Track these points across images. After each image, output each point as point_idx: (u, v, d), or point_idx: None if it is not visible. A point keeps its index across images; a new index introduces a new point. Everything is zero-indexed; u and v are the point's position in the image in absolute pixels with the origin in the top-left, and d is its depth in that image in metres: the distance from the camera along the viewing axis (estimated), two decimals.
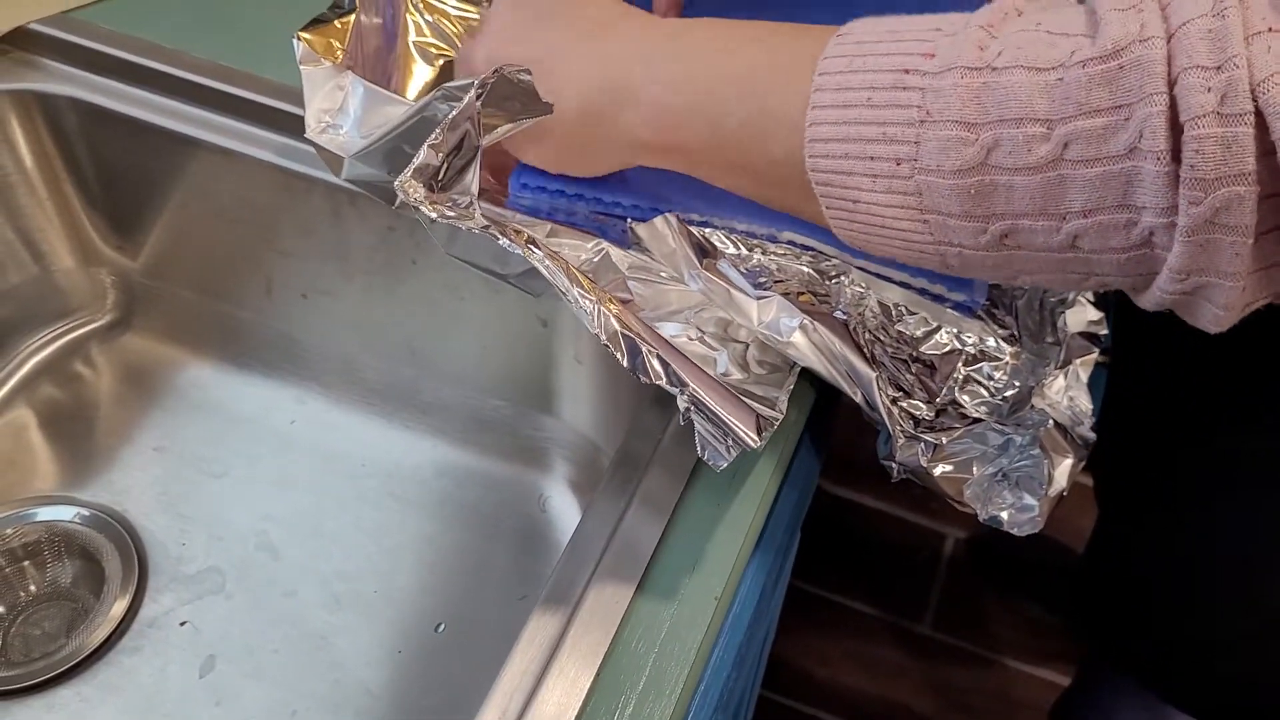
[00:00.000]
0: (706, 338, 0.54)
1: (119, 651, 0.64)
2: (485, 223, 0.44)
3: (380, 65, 0.61)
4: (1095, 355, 0.59)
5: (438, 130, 0.44)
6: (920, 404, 0.55)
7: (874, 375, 0.52)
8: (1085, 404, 0.58)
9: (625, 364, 0.43)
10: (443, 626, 0.66)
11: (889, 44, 0.41)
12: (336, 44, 0.56)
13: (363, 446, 0.73)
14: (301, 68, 0.53)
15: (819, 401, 0.54)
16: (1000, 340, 0.58)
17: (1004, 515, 0.56)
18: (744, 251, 0.58)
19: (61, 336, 0.75)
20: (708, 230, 0.58)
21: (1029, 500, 0.56)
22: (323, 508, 0.71)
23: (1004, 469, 0.56)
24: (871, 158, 0.41)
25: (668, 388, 0.43)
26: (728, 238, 0.58)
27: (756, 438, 0.44)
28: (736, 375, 0.53)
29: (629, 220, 0.56)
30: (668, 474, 0.50)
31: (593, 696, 0.42)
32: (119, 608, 0.65)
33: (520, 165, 0.60)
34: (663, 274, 0.56)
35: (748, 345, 0.54)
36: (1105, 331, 0.60)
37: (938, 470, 0.54)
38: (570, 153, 0.54)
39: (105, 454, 0.72)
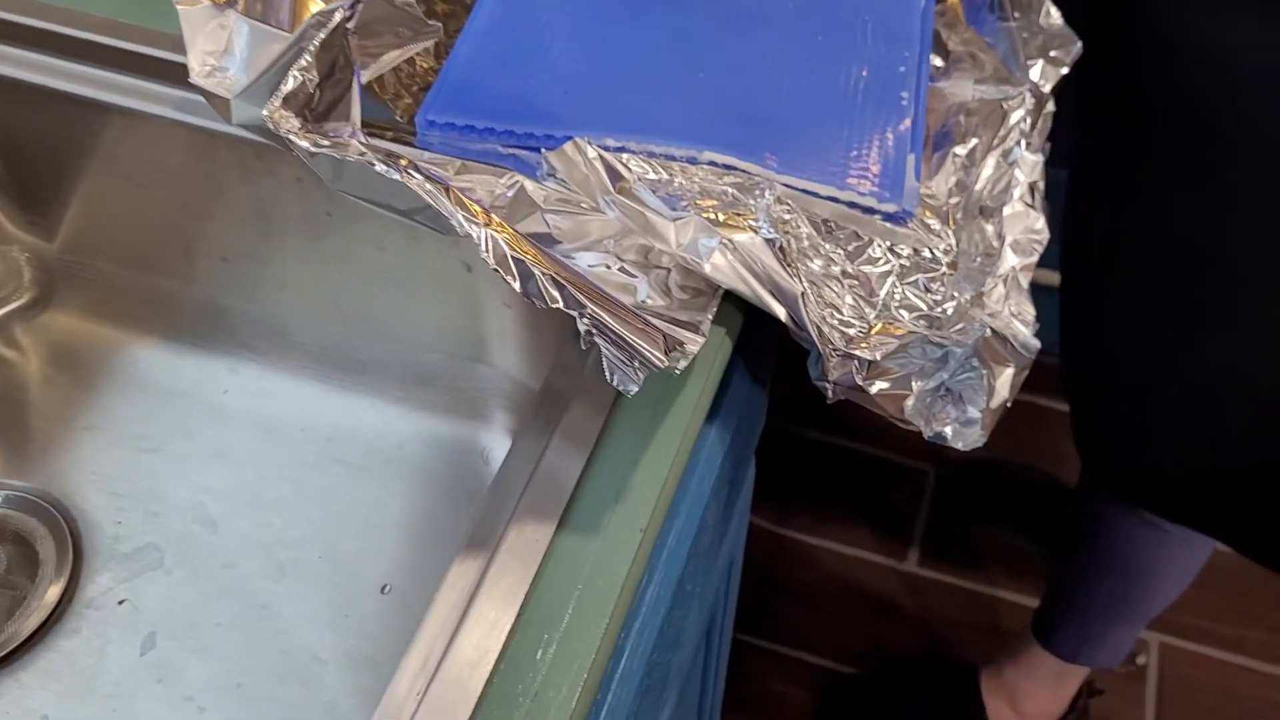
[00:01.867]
0: (626, 265, 0.52)
1: (57, 635, 0.62)
2: (362, 150, 0.41)
3: None
4: (1034, 260, 0.57)
5: (305, 55, 0.42)
6: (853, 320, 0.53)
7: (799, 290, 0.50)
8: (1028, 311, 0.56)
9: (518, 289, 0.41)
10: (389, 587, 0.64)
11: None
12: None
13: (300, 412, 0.71)
14: (179, 8, 0.51)
15: (749, 325, 0.52)
16: (936, 251, 0.56)
17: (948, 430, 0.55)
18: (664, 175, 0.55)
19: None
20: (625, 155, 0.56)
21: (972, 413, 0.54)
22: (262, 477, 0.69)
23: (945, 383, 0.54)
24: None
25: (565, 310, 0.41)
26: (646, 161, 0.56)
27: (664, 357, 0.42)
28: (659, 301, 0.51)
29: (542, 150, 0.54)
30: (590, 408, 0.48)
31: (514, 638, 0.41)
32: (54, 591, 0.63)
33: (426, 103, 0.57)
34: (582, 204, 0.53)
35: (669, 270, 0.52)
36: (1046, 237, 0.58)
37: (874, 388, 0.52)
38: None
39: (35, 436, 0.70)
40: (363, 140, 0.43)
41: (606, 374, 0.42)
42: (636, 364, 0.41)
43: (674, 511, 0.50)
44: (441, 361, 0.69)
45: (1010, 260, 0.57)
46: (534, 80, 0.58)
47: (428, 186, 0.41)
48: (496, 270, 0.41)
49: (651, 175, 0.55)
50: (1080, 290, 0.88)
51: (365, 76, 0.49)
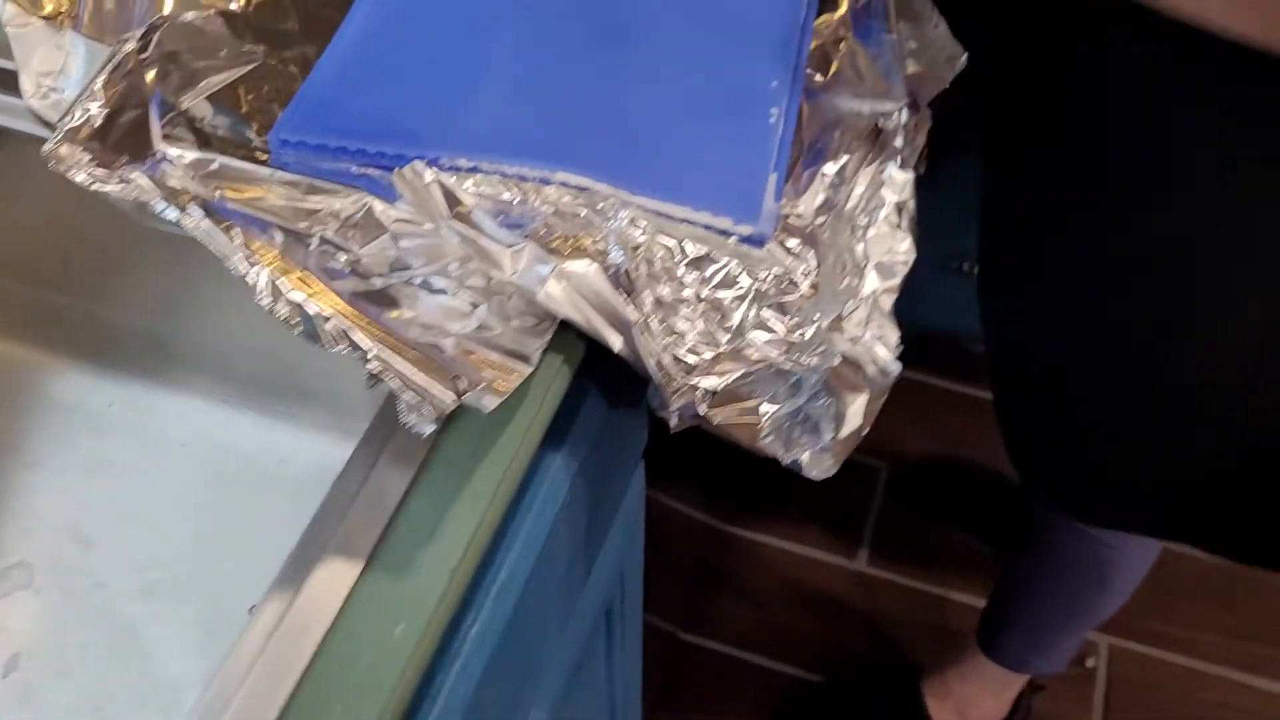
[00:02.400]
0: (469, 290, 0.50)
1: None
2: (123, 185, 0.40)
3: (125, 15, 0.57)
4: (897, 282, 0.56)
5: (95, 88, 0.41)
6: (700, 348, 0.52)
7: (634, 320, 0.48)
8: (891, 335, 0.55)
9: (299, 332, 0.40)
10: (256, 608, 0.63)
11: None
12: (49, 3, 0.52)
13: (181, 427, 0.70)
14: (8, 30, 0.50)
15: (595, 353, 0.51)
16: (795, 274, 0.55)
17: (805, 457, 0.54)
18: (516, 196, 0.54)
19: None
20: (478, 176, 0.55)
21: (825, 441, 0.53)
22: (139, 492, 0.68)
23: (801, 408, 0.53)
24: None
25: (349, 353, 0.40)
26: (502, 182, 0.55)
27: (451, 399, 0.41)
28: (496, 329, 0.49)
29: (393, 171, 0.53)
30: (415, 440, 0.47)
31: (303, 688, 0.40)
32: None
33: (280, 121, 0.56)
34: (426, 226, 0.52)
35: (511, 296, 0.51)
36: (911, 258, 0.56)
37: (719, 418, 0.51)
38: None
39: None
40: (149, 175, 0.41)
41: (400, 415, 0.41)
42: (425, 406, 0.40)
43: (506, 544, 0.49)
44: (323, 378, 0.68)
45: (872, 283, 0.56)
46: (393, 98, 0.57)
47: (204, 225, 0.40)
48: (272, 313, 0.39)
49: (506, 196, 0.54)
50: (1004, 303, 0.86)
51: (187, 101, 0.48)
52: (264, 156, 0.55)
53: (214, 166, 0.53)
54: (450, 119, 0.56)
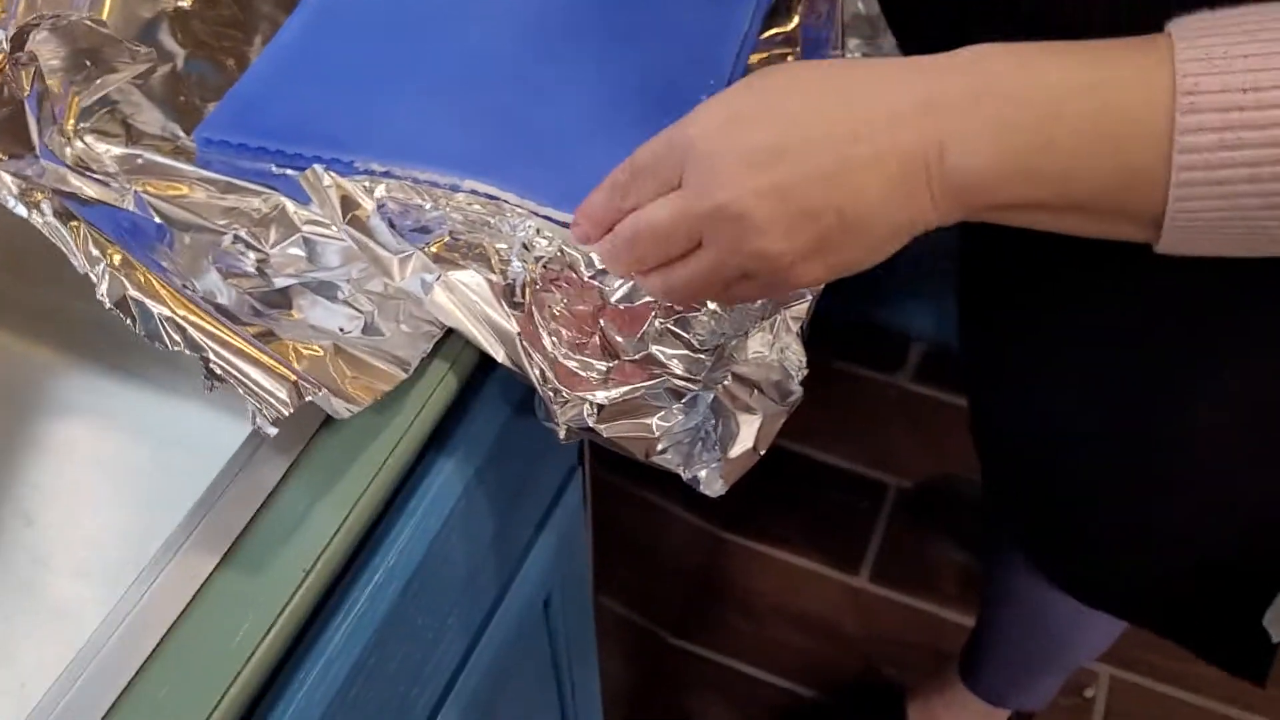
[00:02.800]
0: (361, 295, 0.51)
1: None
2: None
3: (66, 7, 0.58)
4: (807, 304, 0.55)
5: None
6: (592, 361, 0.52)
7: (515, 332, 0.49)
8: (796, 354, 0.54)
9: (140, 330, 0.41)
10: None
11: (1259, 112, 0.37)
12: None
13: (134, 414, 0.72)
14: None
15: (487, 363, 0.51)
16: None
17: (703, 474, 0.53)
18: (425, 203, 0.55)
19: None
20: (390, 181, 0.55)
21: (719, 459, 0.52)
22: (86, 477, 0.69)
23: (700, 425, 0.53)
24: (1253, 227, 0.39)
25: (187, 352, 0.41)
26: (413, 188, 0.55)
27: (288, 404, 0.41)
28: (385, 333, 0.50)
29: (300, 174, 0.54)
30: (296, 433, 0.47)
31: (142, 675, 0.41)
32: None
33: (206, 120, 0.58)
34: (334, 228, 0.53)
35: (403, 301, 0.51)
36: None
37: (610, 430, 0.51)
38: (873, 251, 0.45)
39: None
40: (11, 172, 0.43)
41: (250, 417, 0.42)
42: (265, 409, 0.41)
43: (385, 547, 0.49)
44: None
45: (783, 301, 0.55)
46: (317, 103, 0.58)
47: (50, 222, 0.41)
48: (114, 311, 0.40)
49: (416, 201, 0.55)
50: (987, 393, 0.81)
51: (89, 98, 0.49)
52: (191, 154, 0.57)
53: (139, 161, 0.55)
54: (370, 125, 0.57)
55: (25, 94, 0.43)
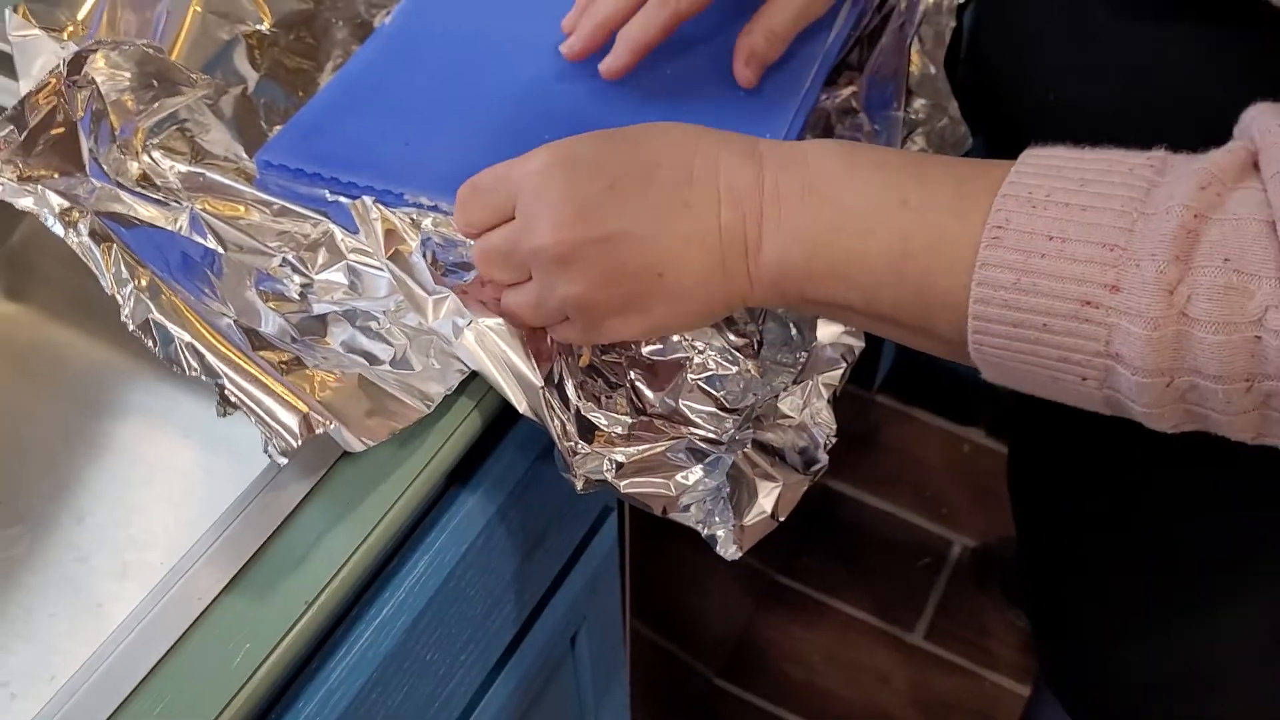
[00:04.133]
0: (396, 328, 0.52)
1: None
2: (32, 199, 0.43)
3: (143, 35, 0.60)
4: (841, 370, 0.54)
5: (22, 105, 0.43)
6: (618, 416, 0.52)
7: (539, 385, 0.49)
8: (826, 421, 0.53)
9: (159, 354, 0.42)
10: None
11: (1061, 262, 0.36)
12: (65, 15, 0.55)
13: (189, 420, 0.74)
14: (11, 38, 0.54)
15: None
16: (736, 349, 0.54)
17: (720, 534, 0.53)
18: (470, 240, 0.55)
19: None
20: (436, 216, 0.56)
21: (734, 523, 0.52)
22: (135, 477, 0.71)
23: (720, 486, 0.52)
24: (1053, 375, 0.39)
25: (203, 379, 0.42)
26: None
27: (297, 436, 0.42)
28: (415, 367, 0.50)
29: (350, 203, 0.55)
30: (316, 459, 0.48)
31: (139, 693, 0.42)
32: None
33: (267, 144, 0.59)
34: (377, 259, 0.54)
35: (435, 337, 0.52)
36: (860, 346, 0.55)
37: (625, 486, 0.51)
38: (688, 319, 0.47)
39: None
40: (61, 191, 0.44)
41: (262, 443, 0.42)
42: (276, 440, 0.42)
43: (396, 581, 0.49)
44: None
45: (817, 365, 0.54)
46: (377, 132, 0.59)
47: (84, 242, 0.42)
48: (137, 333, 0.41)
49: (463, 237, 0.55)
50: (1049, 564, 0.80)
51: (158, 115, 0.51)
52: (252, 175, 0.58)
53: (202, 180, 0.56)
54: (425, 158, 0.58)
55: (79, 116, 0.44)
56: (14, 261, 0.77)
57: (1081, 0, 0.50)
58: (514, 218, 0.46)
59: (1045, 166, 0.38)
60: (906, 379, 1.53)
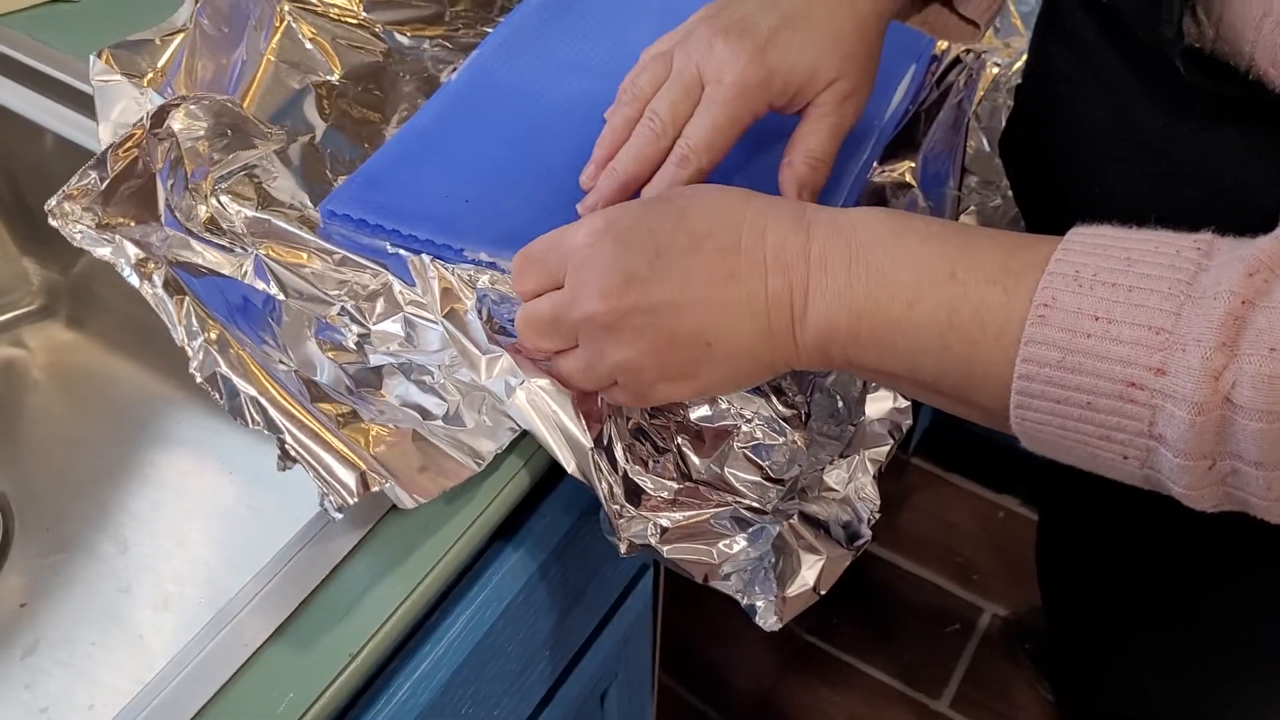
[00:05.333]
0: (450, 383, 0.52)
1: None
2: (110, 247, 0.44)
3: (219, 82, 0.62)
4: (888, 447, 0.54)
5: (101, 151, 0.45)
6: (665, 480, 0.52)
7: (589, 447, 0.49)
8: (870, 497, 0.54)
9: (225, 406, 0.42)
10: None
11: (1107, 343, 0.37)
12: (146, 63, 0.57)
13: (235, 455, 0.75)
14: (94, 83, 0.55)
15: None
16: (783, 419, 0.55)
17: (760, 605, 0.53)
18: None
19: None
20: (495, 273, 0.57)
21: (775, 594, 0.52)
22: (181, 510, 0.72)
23: (763, 556, 0.53)
24: (1094, 452, 0.39)
25: (266, 433, 0.43)
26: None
27: (354, 493, 0.42)
28: (467, 423, 0.51)
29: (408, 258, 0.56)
30: (367, 510, 0.49)
31: None
32: None
33: (331, 194, 0.60)
34: (430, 315, 0.55)
35: (487, 394, 0.52)
36: (907, 422, 0.55)
37: (669, 551, 0.51)
38: (736, 382, 0.48)
39: (13, 434, 0.76)
40: (136, 240, 0.45)
41: (318, 498, 0.43)
42: (332, 495, 0.42)
43: (437, 635, 0.50)
44: None
45: (864, 440, 0.55)
46: (439, 186, 0.60)
47: (158, 293, 0.44)
48: (205, 386, 0.42)
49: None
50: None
51: (212, 173, 0.52)
52: (315, 223, 0.60)
53: (267, 226, 0.58)
54: (485, 214, 0.59)
55: (158, 167, 0.46)
56: (77, 291, 0.79)
57: (1125, 96, 0.51)
58: (563, 286, 0.47)
59: (1092, 245, 0.38)
60: (942, 443, 1.52)
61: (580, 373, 0.48)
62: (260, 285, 0.54)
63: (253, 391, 0.44)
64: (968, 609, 1.43)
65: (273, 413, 0.43)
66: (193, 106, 0.50)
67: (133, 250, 0.46)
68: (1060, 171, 0.55)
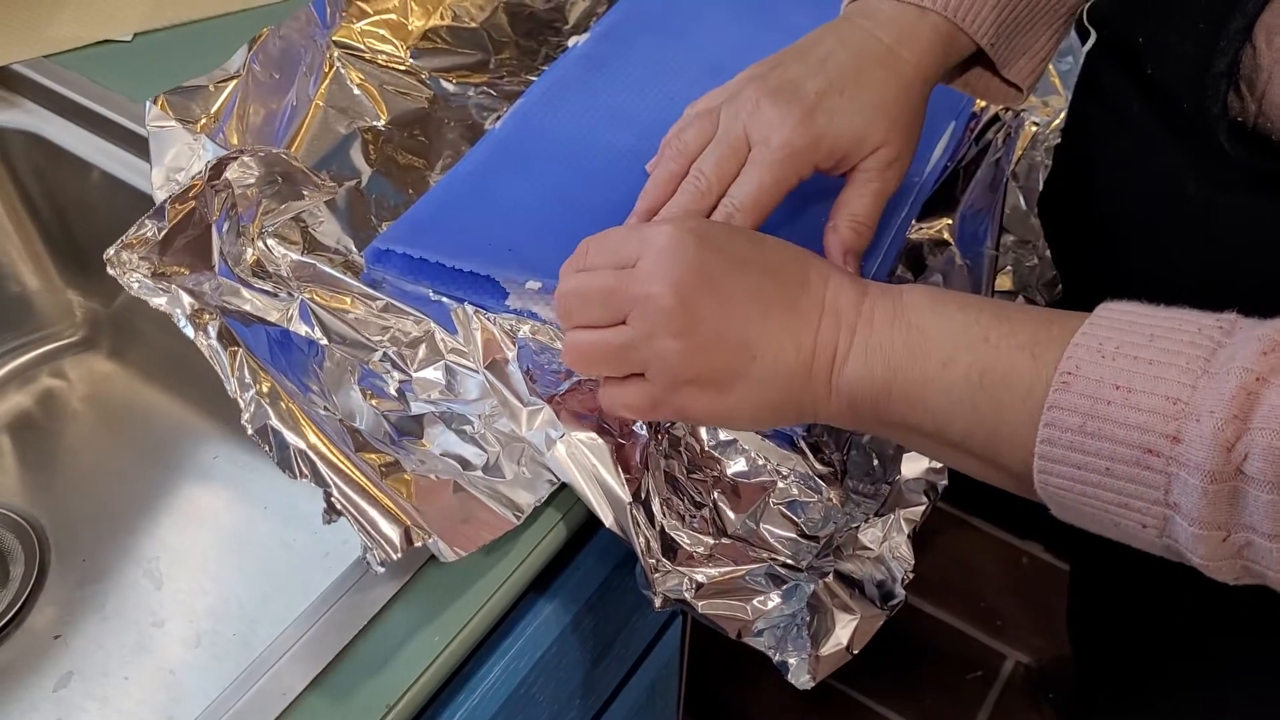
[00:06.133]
0: (490, 433, 0.53)
1: None
2: (166, 297, 0.45)
3: (269, 127, 0.63)
4: (924, 507, 0.55)
5: (158, 205, 0.46)
6: (701, 536, 0.52)
7: (627, 501, 0.49)
8: (905, 556, 0.54)
9: (275, 459, 0.43)
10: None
11: (1126, 411, 0.38)
12: (199, 108, 0.58)
13: (268, 491, 0.75)
14: (149, 128, 0.56)
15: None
16: (820, 476, 0.55)
17: (792, 662, 0.53)
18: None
19: (31, 349, 0.81)
20: (536, 323, 0.57)
21: (808, 652, 0.52)
22: (215, 545, 0.73)
23: (797, 613, 0.53)
24: (1114, 520, 0.40)
25: (314, 485, 0.43)
26: (556, 332, 0.57)
27: (398, 548, 0.43)
28: (506, 474, 0.52)
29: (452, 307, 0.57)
30: (405, 562, 0.49)
31: None
32: (4, 612, 0.69)
33: (375, 240, 0.61)
34: (474, 362, 0.55)
35: (527, 445, 0.53)
36: (943, 483, 0.55)
37: (703, 607, 0.51)
38: (761, 413, 0.48)
39: (49, 463, 0.77)
40: (191, 289, 0.46)
41: (361, 550, 0.43)
42: (376, 550, 0.43)
43: (471, 685, 0.50)
44: None
45: (899, 499, 0.55)
46: (483, 234, 0.61)
47: (212, 344, 0.44)
48: (254, 438, 0.43)
49: (559, 345, 0.56)
50: None
51: (261, 218, 0.53)
52: (359, 269, 0.60)
53: (311, 271, 0.58)
54: (528, 263, 0.59)
55: (214, 218, 0.47)
56: (118, 324, 0.80)
57: (1166, 164, 0.51)
58: (631, 266, 0.47)
59: (1118, 320, 0.40)
60: (967, 487, 1.51)
61: (611, 350, 0.47)
62: (305, 330, 0.55)
63: (302, 445, 0.44)
64: (991, 655, 1.42)
65: (320, 466, 0.44)
66: (247, 158, 0.51)
67: (187, 300, 0.47)
68: (1098, 236, 0.56)
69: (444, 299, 0.59)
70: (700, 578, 0.51)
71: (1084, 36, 0.55)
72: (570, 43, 0.74)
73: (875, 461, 0.56)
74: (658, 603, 0.51)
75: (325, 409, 0.49)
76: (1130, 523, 0.39)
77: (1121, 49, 0.55)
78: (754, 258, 0.46)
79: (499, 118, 0.69)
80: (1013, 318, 0.43)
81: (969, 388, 0.42)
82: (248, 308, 0.51)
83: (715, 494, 0.54)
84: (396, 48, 0.71)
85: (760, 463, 0.54)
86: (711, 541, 0.52)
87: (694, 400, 0.46)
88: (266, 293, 0.54)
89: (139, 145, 0.66)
